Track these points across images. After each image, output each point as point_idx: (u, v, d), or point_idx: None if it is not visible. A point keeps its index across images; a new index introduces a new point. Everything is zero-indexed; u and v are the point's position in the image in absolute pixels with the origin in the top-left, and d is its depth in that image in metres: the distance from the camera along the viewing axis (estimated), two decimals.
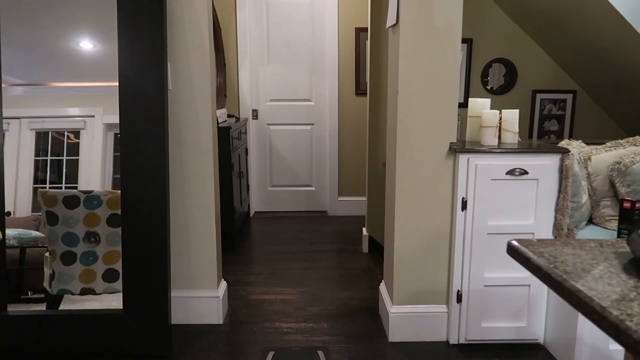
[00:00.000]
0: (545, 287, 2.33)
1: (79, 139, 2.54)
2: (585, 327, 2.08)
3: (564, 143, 2.39)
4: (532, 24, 3.55)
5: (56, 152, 2.54)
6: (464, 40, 3.56)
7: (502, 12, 3.66)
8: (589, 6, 2.70)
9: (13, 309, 2.35)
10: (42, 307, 2.44)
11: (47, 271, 2.42)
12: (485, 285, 2.34)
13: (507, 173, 2.24)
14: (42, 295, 2.45)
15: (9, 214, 2.41)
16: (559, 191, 2.27)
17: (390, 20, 2.41)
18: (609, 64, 3.16)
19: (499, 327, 2.38)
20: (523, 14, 3.53)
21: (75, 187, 2.50)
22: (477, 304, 2.35)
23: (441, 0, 2.22)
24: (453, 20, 2.24)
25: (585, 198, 2.39)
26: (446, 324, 2.45)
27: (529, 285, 2.33)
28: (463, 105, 2.84)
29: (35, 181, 2.52)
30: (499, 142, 2.36)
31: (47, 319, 2.32)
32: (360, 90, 4.65)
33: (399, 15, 2.25)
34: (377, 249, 3.61)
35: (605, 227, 2.44)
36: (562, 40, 3.40)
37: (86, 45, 2.55)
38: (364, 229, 3.84)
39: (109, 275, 2.44)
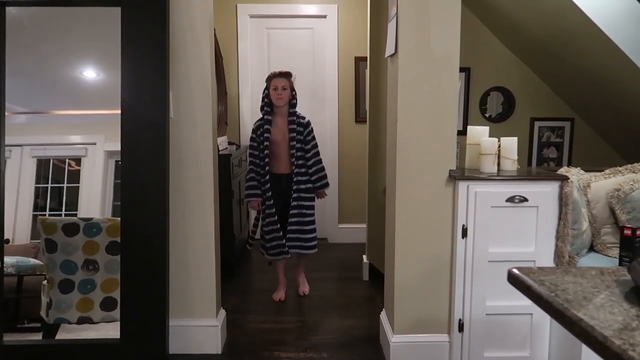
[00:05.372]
0: (547, 316, 2.30)
1: (80, 166, 2.55)
2: (589, 357, 2.05)
3: (563, 170, 2.40)
4: (528, 53, 3.61)
5: (57, 179, 2.55)
6: (461, 69, 3.60)
7: (498, 41, 3.72)
8: (583, 36, 2.74)
9: (9, 338, 2.32)
10: (38, 336, 2.41)
11: (44, 299, 2.40)
12: (487, 314, 2.31)
13: (507, 200, 2.24)
14: (39, 324, 2.42)
15: (7, 241, 2.40)
16: (559, 218, 2.27)
17: (389, 49, 2.46)
18: (604, 92, 3.19)
19: (502, 357, 2.34)
20: (519, 43, 3.59)
21: (75, 214, 2.50)
22: (479, 333, 2.32)
23: (439, 30, 2.26)
24: (451, 50, 2.28)
25: (585, 225, 2.39)
26: (448, 353, 2.41)
27: (532, 314, 2.31)
28: (462, 132, 2.86)
29: (35, 208, 2.52)
30: (499, 170, 2.37)
31: (43, 349, 2.29)
32: (359, 118, 4.69)
33: (398, 44, 2.29)
34: (378, 277, 3.58)
35: (606, 255, 2.42)
36: (558, 68, 3.45)
37: (89, 74, 2.59)
38: (364, 257, 3.81)
39: (107, 304, 2.41)
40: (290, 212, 3.20)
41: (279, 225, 3.20)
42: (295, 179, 3.21)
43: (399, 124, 2.32)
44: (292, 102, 3.20)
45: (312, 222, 3.27)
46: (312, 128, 3.26)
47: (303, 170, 3.23)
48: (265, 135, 3.18)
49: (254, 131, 3.25)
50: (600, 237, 2.47)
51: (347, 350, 2.64)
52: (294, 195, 3.20)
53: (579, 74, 3.25)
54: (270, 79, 3.17)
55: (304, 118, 3.25)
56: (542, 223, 2.26)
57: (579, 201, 2.34)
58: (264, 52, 4.71)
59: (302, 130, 3.21)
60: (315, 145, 3.26)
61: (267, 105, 3.18)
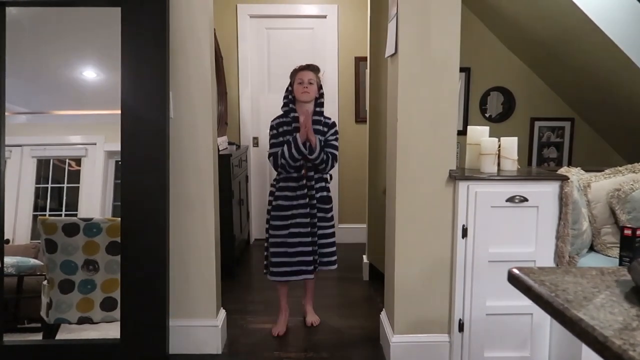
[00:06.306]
0: (548, 316, 2.30)
1: (80, 166, 2.56)
2: (590, 357, 2.05)
3: (563, 170, 2.40)
4: (529, 54, 3.61)
5: (57, 179, 2.55)
6: (462, 69, 3.60)
7: (498, 41, 3.72)
8: (583, 36, 2.74)
9: (9, 338, 2.32)
10: (38, 336, 2.41)
11: (44, 300, 2.40)
12: (487, 314, 2.31)
13: (507, 200, 2.24)
14: (39, 325, 2.42)
15: (7, 241, 2.40)
16: (560, 218, 2.27)
17: (389, 50, 2.45)
18: (604, 92, 3.19)
19: (502, 357, 2.34)
20: (519, 43, 3.59)
21: (76, 215, 2.50)
22: (479, 333, 2.32)
23: (439, 30, 2.26)
24: (450, 50, 2.28)
25: (585, 225, 2.39)
26: (448, 353, 2.41)
27: (532, 314, 2.31)
28: (462, 132, 2.86)
29: (36, 208, 2.52)
30: (499, 170, 2.37)
31: (44, 350, 2.29)
32: (360, 118, 4.69)
33: (398, 45, 2.29)
34: (378, 277, 3.58)
35: (607, 255, 2.42)
36: (558, 69, 3.45)
37: (90, 74, 2.59)
38: (365, 257, 3.81)
39: (107, 304, 2.41)
40: (317, 224, 2.83)
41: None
42: (316, 185, 2.80)
43: (399, 124, 2.32)
44: (320, 102, 2.79)
45: (334, 234, 2.97)
46: (336, 130, 2.84)
47: (325, 176, 2.86)
48: (293, 134, 2.72)
49: (273, 127, 2.81)
50: (600, 237, 2.47)
51: (347, 350, 2.64)
52: (313, 201, 2.80)
53: (579, 74, 3.25)
54: (295, 72, 2.78)
55: (329, 119, 2.85)
56: (542, 223, 2.26)
57: (579, 201, 2.34)
58: (264, 52, 4.71)
59: (325, 131, 2.79)
60: (336, 148, 2.81)
61: (291, 101, 2.77)
